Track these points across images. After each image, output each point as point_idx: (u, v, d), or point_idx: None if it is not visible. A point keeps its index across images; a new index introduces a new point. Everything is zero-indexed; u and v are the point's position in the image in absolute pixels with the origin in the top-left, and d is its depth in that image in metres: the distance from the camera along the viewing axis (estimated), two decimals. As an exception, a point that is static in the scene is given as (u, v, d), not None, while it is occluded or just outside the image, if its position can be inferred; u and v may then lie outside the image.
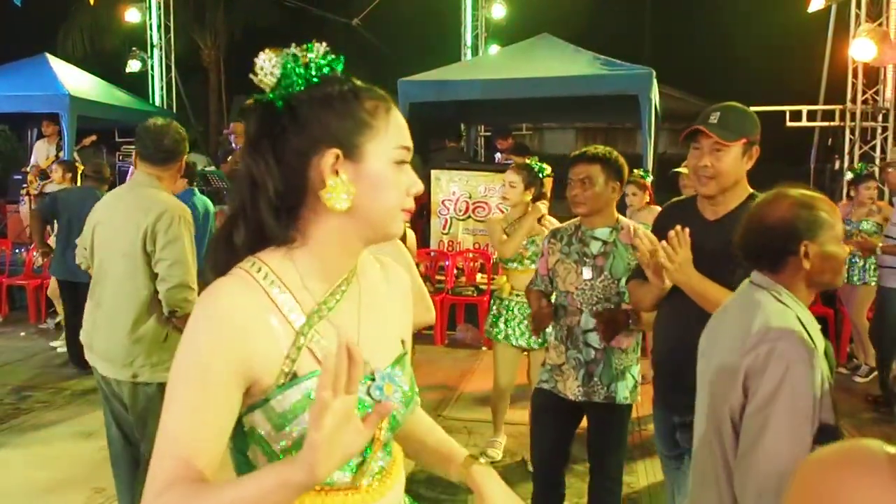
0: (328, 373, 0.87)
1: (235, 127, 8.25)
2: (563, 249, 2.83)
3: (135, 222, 2.68)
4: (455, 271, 7.24)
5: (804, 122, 8.34)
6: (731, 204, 2.17)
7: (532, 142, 13.92)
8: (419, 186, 1.10)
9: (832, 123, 8.31)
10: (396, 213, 1.07)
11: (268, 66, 1.02)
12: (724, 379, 1.56)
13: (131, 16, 10.96)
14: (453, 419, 4.71)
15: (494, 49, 10.42)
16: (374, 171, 1.04)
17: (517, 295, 3.85)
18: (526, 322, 3.84)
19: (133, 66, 10.91)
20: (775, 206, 1.62)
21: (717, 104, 2.16)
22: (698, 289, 2.06)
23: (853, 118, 8.12)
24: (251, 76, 1.04)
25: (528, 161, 4.00)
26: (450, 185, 7.78)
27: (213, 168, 7.64)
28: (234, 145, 8.23)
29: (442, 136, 9.15)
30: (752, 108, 7.77)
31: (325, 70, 1.04)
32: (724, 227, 2.06)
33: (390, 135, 1.06)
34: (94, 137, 8.58)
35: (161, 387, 2.60)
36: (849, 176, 5.89)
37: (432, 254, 7.54)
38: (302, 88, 1.03)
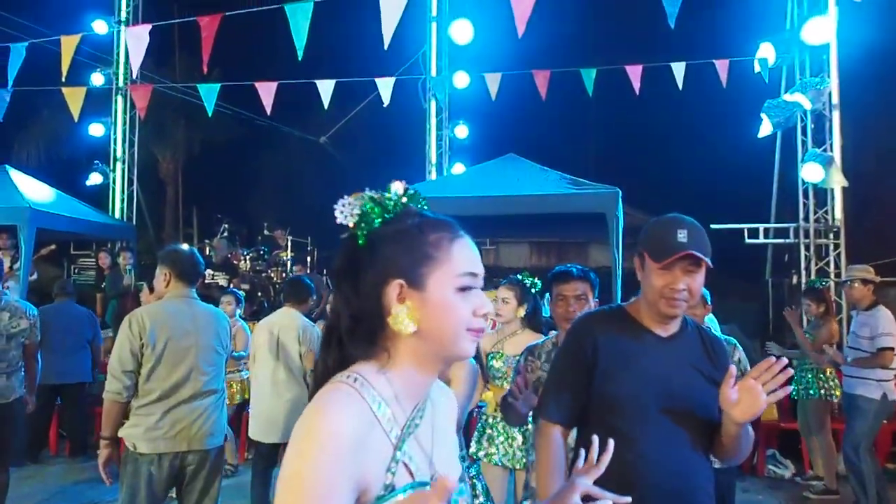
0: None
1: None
2: (543, 367, 2.83)
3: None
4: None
5: (761, 240, 8.68)
6: (679, 321, 2.02)
7: (487, 257, 14.11)
8: (488, 307, 1.18)
9: (788, 241, 8.67)
10: (462, 333, 1.15)
11: (347, 208, 1.15)
12: None
13: (96, 130, 10.92)
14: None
15: (459, 167, 10.69)
16: (437, 298, 1.14)
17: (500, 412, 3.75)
18: (509, 441, 3.74)
19: (94, 178, 10.78)
20: None
21: (671, 217, 1.96)
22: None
23: (807, 235, 8.50)
24: (336, 214, 1.16)
25: (519, 276, 4.00)
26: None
27: None
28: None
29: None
30: (713, 226, 7.92)
31: (399, 207, 1.17)
32: (678, 346, 1.98)
33: (453, 264, 1.16)
34: (53, 247, 8.42)
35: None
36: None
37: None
38: (378, 224, 1.15)
